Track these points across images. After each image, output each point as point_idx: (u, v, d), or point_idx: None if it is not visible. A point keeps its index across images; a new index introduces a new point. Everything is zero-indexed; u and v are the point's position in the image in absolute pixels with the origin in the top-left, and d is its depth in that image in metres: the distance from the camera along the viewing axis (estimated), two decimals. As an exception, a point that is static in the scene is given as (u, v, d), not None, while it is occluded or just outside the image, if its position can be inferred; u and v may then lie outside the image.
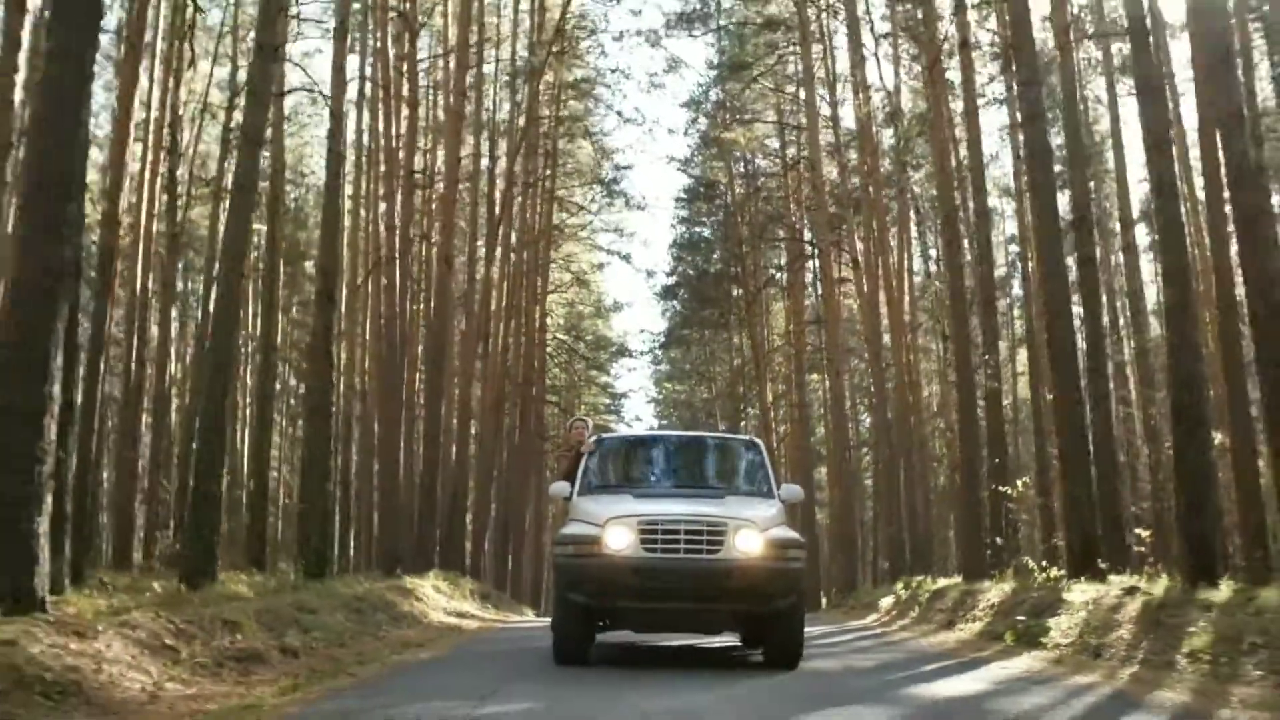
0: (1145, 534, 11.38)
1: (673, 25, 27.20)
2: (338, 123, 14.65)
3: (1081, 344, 13.53)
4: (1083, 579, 11.53)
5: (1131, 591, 9.86)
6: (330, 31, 15.42)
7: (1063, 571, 12.35)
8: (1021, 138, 13.93)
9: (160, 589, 11.13)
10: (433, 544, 18.76)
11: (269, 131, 15.36)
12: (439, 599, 14.72)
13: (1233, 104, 10.47)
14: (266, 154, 16.32)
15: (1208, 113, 10.62)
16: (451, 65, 20.16)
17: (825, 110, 26.75)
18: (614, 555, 6.94)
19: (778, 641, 7.41)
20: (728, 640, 9.22)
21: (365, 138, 24.08)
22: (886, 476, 24.97)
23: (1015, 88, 14.11)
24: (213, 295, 15.29)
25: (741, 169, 36.11)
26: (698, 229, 40.27)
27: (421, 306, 23.20)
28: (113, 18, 19.00)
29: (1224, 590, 9.00)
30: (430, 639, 10.51)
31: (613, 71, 31.85)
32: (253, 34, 14.27)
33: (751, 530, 7.01)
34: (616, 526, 7.00)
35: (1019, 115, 13.73)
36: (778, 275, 34.50)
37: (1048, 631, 9.70)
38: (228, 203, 14.18)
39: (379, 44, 20.95)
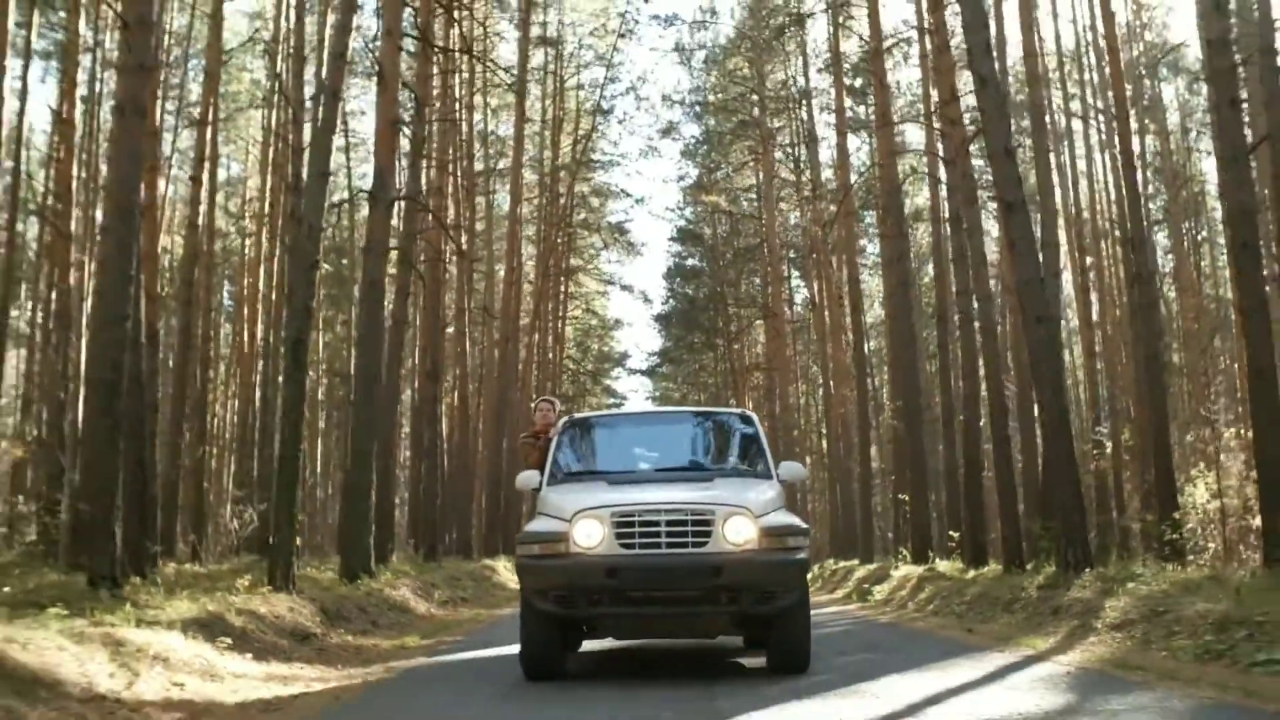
0: (955, 534, 18.51)
1: (670, 121, 34.22)
2: (434, 269, 21.79)
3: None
4: (919, 563, 18.83)
5: (928, 570, 17.18)
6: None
7: (904, 556, 19.65)
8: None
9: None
10: (496, 535, 26.11)
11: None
12: (509, 575, 22.03)
13: (985, 291, 17.67)
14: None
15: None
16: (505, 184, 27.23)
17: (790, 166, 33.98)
18: (585, 554, 6.20)
19: (781, 643, 6.63)
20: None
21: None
22: (830, 483, 32.39)
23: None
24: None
25: (725, 207, 43.16)
26: (688, 260, 47.66)
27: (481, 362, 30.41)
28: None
29: (982, 570, 16.26)
30: (518, 596, 17.83)
31: (618, 155, 38.53)
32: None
33: (743, 518, 6.24)
34: (586, 520, 6.25)
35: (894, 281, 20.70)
36: (755, 310, 41.61)
37: (873, 592, 17.00)
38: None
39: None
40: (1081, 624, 9.10)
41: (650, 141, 39.98)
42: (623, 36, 28.78)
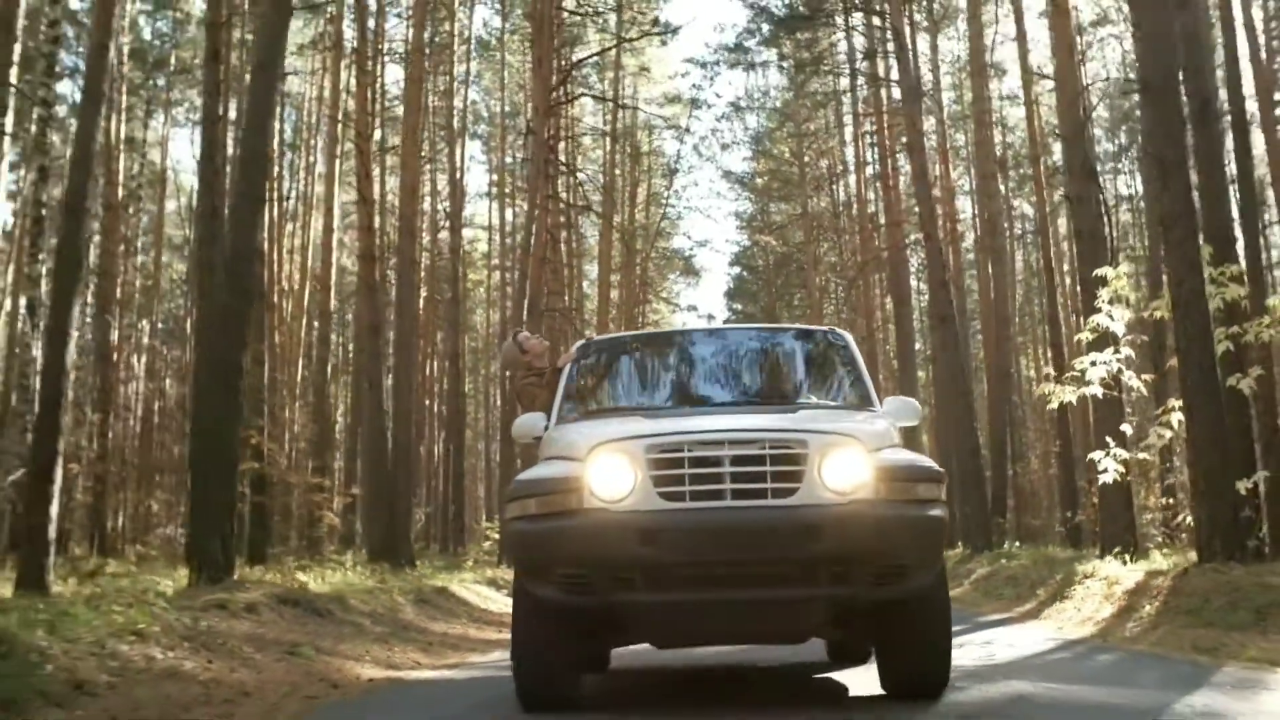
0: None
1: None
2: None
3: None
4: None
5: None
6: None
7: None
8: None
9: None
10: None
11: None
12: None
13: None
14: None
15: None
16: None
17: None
18: (606, 509, 4.02)
19: (909, 649, 4.36)
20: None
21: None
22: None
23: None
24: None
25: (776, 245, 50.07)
26: (745, 282, 54.77)
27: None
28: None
29: (947, 552, 23.16)
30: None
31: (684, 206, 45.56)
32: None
33: (853, 449, 4.08)
34: (609, 457, 4.09)
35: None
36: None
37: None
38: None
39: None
40: (958, 582, 16.01)
41: (711, 184, 46.17)
42: (688, 131, 35.67)
